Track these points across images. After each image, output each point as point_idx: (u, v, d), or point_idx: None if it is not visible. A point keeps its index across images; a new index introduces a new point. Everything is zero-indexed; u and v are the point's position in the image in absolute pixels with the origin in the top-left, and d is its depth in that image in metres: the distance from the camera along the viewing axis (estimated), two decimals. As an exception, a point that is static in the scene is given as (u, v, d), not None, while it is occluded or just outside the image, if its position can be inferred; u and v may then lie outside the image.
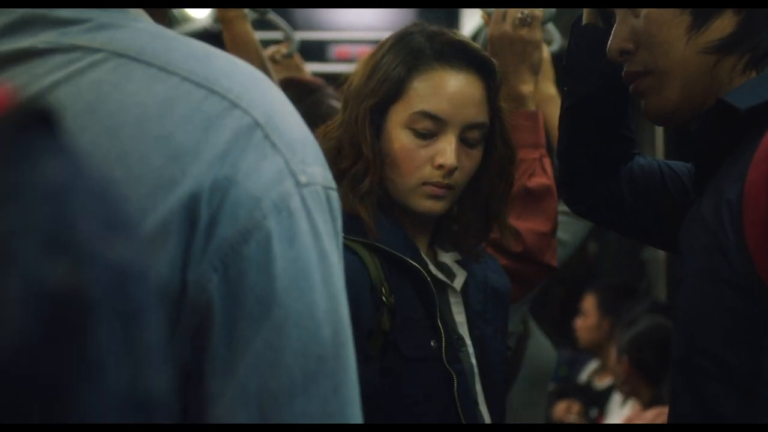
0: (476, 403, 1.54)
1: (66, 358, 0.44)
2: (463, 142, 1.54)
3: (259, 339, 0.69)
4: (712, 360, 1.13)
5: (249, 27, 2.29)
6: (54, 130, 0.48)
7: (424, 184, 1.53)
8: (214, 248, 0.69)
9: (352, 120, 1.56)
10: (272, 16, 2.71)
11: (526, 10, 1.84)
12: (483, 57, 1.58)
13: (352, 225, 1.47)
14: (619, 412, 3.70)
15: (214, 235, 0.69)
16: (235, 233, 0.69)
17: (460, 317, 1.58)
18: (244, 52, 2.23)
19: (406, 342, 1.48)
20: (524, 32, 1.82)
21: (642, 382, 3.34)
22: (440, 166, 1.52)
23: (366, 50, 1.66)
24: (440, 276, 1.57)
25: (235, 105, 0.72)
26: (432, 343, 1.49)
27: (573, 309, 4.36)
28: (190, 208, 0.68)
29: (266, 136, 0.72)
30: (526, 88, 1.84)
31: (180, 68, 0.73)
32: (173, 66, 0.73)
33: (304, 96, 2.24)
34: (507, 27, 1.82)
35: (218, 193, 0.69)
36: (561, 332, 4.39)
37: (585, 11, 1.51)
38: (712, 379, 1.13)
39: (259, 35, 2.30)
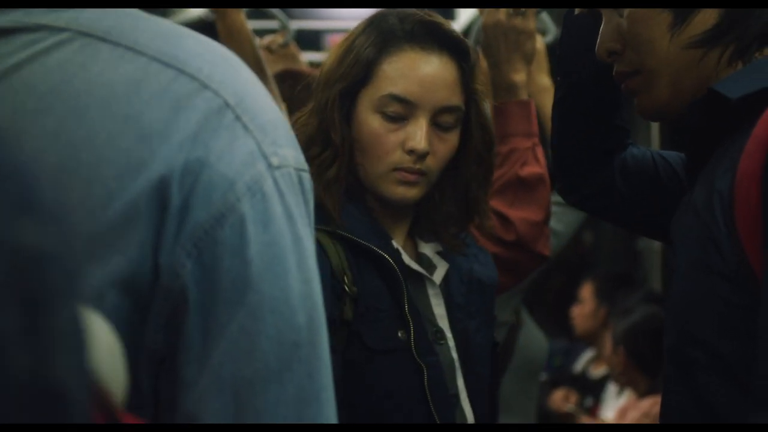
0: (457, 398, 1.50)
1: None
2: (437, 126, 1.50)
3: (234, 325, 0.68)
4: (704, 350, 1.13)
5: (243, 17, 2.28)
6: None
7: (395, 170, 1.48)
8: (188, 233, 0.67)
9: (321, 105, 1.51)
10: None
11: None
12: (456, 38, 1.53)
13: (316, 213, 1.44)
14: (614, 401, 3.70)
15: (187, 219, 0.67)
16: (209, 217, 0.68)
17: (439, 309, 1.54)
18: (238, 42, 2.22)
19: (370, 333, 1.43)
20: (518, 21, 1.82)
21: (638, 372, 3.34)
22: (411, 151, 1.47)
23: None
24: (414, 266, 1.53)
25: (205, 86, 0.71)
26: (399, 334, 1.44)
27: (568, 299, 4.36)
28: (161, 190, 0.67)
29: (237, 118, 0.70)
30: (519, 77, 1.83)
31: (148, 48, 0.71)
32: (141, 45, 0.71)
33: (302, 87, 2.24)
34: (501, 16, 1.82)
35: (190, 175, 0.68)
36: (556, 322, 4.39)
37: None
38: (704, 370, 1.13)
39: (255, 24, 2.29)
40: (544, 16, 2.47)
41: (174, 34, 0.74)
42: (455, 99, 1.51)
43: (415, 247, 1.59)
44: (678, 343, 1.18)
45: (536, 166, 1.84)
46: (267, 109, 0.74)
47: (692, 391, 1.15)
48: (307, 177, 0.74)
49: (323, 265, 1.36)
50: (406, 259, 1.52)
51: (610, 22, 1.29)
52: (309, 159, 1.47)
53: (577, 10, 1.50)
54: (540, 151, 1.87)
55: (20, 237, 0.45)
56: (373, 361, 1.43)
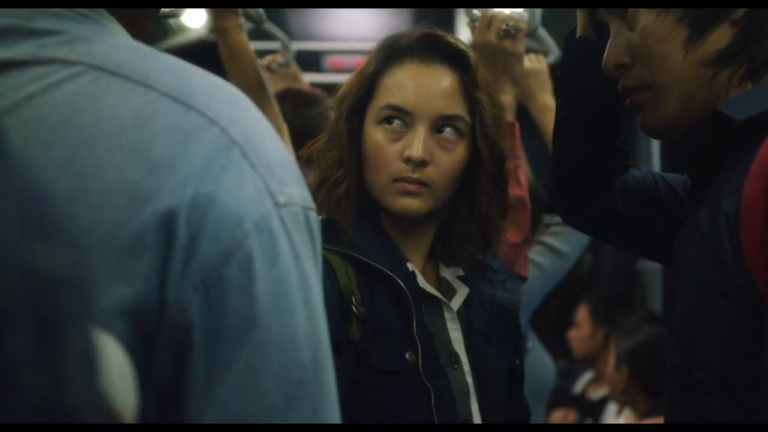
0: (470, 423, 1.49)
1: None
2: (439, 137, 1.50)
3: (240, 361, 0.68)
4: (709, 372, 1.13)
5: (244, 37, 2.28)
6: None
7: (396, 180, 1.48)
8: (195, 268, 0.68)
9: (332, 126, 1.56)
10: (269, 26, 2.71)
11: (511, 21, 1.85)
12: (457, 49, 1.53)
13: (328, 232, 1.45)
14: (613, 422, 3.69)
15: (195, 255, 0.68)
16: (216, 253, 0.68)
17: (455, 334, 1.53)
18: (239, 63, 2.23)
19: (377, 353, 1.42)
20: (507, 44, 1.83)
21: (640, 392, 3.33)
22: (408, 160, 1.47)
23: (361, 60, 1.66)
24: (428, 289, 1.52)
25: (213, 122, 0.71)
26: (407, 356, 1.43)
27: (568, 320, 4.36)
28: (168, 223, 0.67)
29: (244, 155, 0.71)
30: (505, 98, 1.84)
31: (158, 83, 0.72)
32: (151, 81, 0.72)
33: (303, 107, 2.25)
34: (491, 37, 1.83)
35: (198, 210, 0.68)
36: (556, 343, 4.38)
37: (579, 23, 1.50)
38: (709, 392, 1.13)
39: (256, 45, 2.30)
40: (546, 36, 2.47)
41: (184, 71, 0.75)
42: (456, 108, 1.50)
43: (437, 270, 1.59)
44: (682, 364, 1.18)
45: (518, 188, 1.85)
46: (274, 148, 0.74)
47: (696, 411, 1.15)
48: (313, 216, 0.75)
49: (331, 285, 1.39)
50: (421, 281, 1.52)
51: (620, 36, 1.28)
52: (323, 180, 1.51)
53: (578, 30, 1.50)
54: (522, 174, 1.88)
55: (36, 260, 0.45)
56: (379, 381, 1.42)
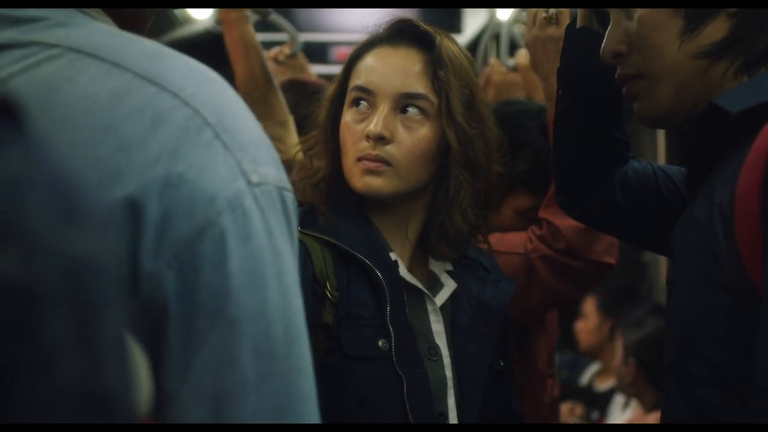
0: (444, 416, 1.49)
1: (15, 350, 0.43)
2: (404, 116, 1.51)
3: (213, 336, 0.69)
4: (706, 364, 1.13)
5: (250, 29, 2.29)
6: (14, 120, 0.48)
7: (359, 160, 1.50)
8: (168, 244, 0.69)
9: (320, 116, 1.59)
10: (275, 17, 2.71)
11: (552, 9, 1.85)
12: (422, 31, 1.55)
13: (309, 218, 1.49)
14: (620, 414, 3.69)
15: (167, 232, 0.69)
16: (189, 230, 0.69)
17: (437, 326, 1.53)
18: (245, 54, 2.23)
19: (349, 339, 1.42)
20: (552, 30, 1.82)
21: (647, 385, 3.34)
22: (368, 136, 1.49)
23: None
24: (409, 279, 1.52)
25: (186, 103, 0.72)
26: (380, 344, 1.44)
27: (574, 312, 4.36)
28: (135, 200, 0.68)
29: (216, 136, 0.72)
30: None
31: (134, 65, 0.73)
32: (127, 63, 0.73)
33: (307, 97, 2.25)
34: (536, 30, 1.83)
35: (170, 189, 0.69)
36: (563, 335, 4.38)
37: (579, 14, 1.50)
38: (706, 384, 1.13)
39: (263, 37, 2.30)
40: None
41: (161, 54, 0.76)
42: (418, 86, 1.51)
43: (426, 263, 1.59)
44: (678, 356, 1.18)
45: None
46: (248, 128, 0.75)
47: (692, 404, 1.15)
48: (290, 196, 0.76)
49: (304, 268, 1.40)
50: (403, 271, 1.52)
51: (619, 24, 1.28)
52: (308, 167, 1.53)
53: (579, 21, 1.50)
54: None
55: (71, 246, 0.46)
56: (351, 367, 1.42)
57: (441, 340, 1.52)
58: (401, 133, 1.49)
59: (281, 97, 2.21)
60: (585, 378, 4.28)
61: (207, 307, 0.69)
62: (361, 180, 1.49)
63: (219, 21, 2.68)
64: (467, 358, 1.53)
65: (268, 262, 0.72)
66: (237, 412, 0.70)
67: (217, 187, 0.71)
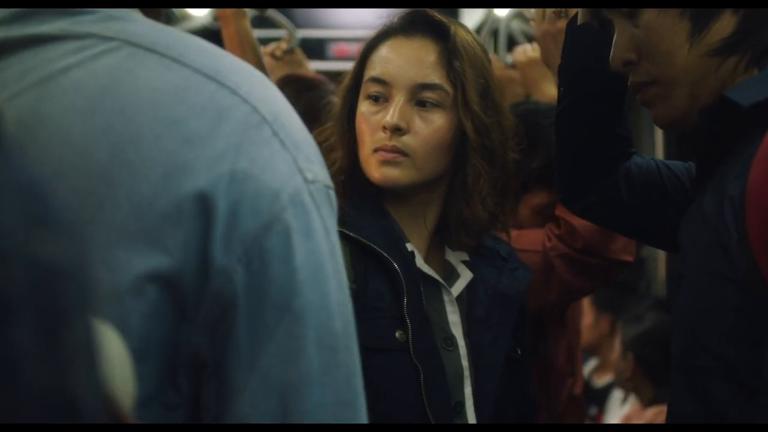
0: (462, 406, 1.49)
1: None
2: (420, 108, 1.51)
3: (281, 329, 0.71)
4: (714, 358, 1.13)
5: (247, 24, 2.29)
6: None
7: (375, 151, 1.50)
8: (238, 239, 0.70)
9: (334, 108, 1.60)
10: (272, 13, 2.71)
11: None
12: (436, 21, 1.55)
13: None
14: (618, 410, 3.70)
15: (235, 227, 0.70)
16: (256, 226, 0.71)
17: (453, 317, 1.53)
18: (241, 50, 2.23)
19: (365, 331, 1.39)
20: (562, 24, 1.82)
21: (645, 380, 3.34)
22: (384, 127, 1.49)
23: (364, 48, 1.67)
24: (425, 269, 1.53)
25: (244, 100, 0.74)
26: (397, 335, 1.44)
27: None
28: (205, 195, 0.70)
29: (274, 133, 0.74)
30: None
31: (192, 61, 0.74)
32: (185, 58, 0.74)
33: (304, 92, 2.24)
34: (546, 25, 1.83)
35: (236, 185, 0.70)
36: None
37: (580, 11, 1.50)
38: (714, 378, 1.13)
39: (261, 33, 2.30)
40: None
41: (214, 52, 0.77)
42: (433, 76, 1.51)
43: (443, 253, 1.59)
44: (687, 351, 1.18)
45: None
46: (298, 127, 0.77)
47: (701, 399, 1.15)
48: (333, 194, 0.78)
49: None
50: (419, 262, 1.52)
51: (624, 32, 1.27)
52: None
53: (579, 18, 1.50)
54: None
55: (37, 251, 0.45)
56: (367, 358, 1.41)
57: (457, 330, 1.53)
58: (417, 123, 1.50)
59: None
60: (583, 374, 4.28)
61: (275, 301, 0.71)
62: (378, 171, 1.50)
63: (216, 17, 2.68)
64: (483, 347, 1.54)
65: (327, 257, 0.74)
66: (302, 405, 0.71)
67: (280, 182, 0.72)
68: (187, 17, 3.78)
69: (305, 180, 0.74)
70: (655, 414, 3.12)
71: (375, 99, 1.52)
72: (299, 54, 2.85)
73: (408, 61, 1.52)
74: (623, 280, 4.59)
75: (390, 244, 1.49)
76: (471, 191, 1.54)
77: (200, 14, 3.35)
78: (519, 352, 1.61)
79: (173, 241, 0.69)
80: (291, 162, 0.73)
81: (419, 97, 1.51)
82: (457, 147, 1.53)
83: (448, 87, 1.51)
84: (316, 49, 3.72)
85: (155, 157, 0.70)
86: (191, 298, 0.70)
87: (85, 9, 0.76)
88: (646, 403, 3.33)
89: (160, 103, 0.71)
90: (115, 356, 0.59)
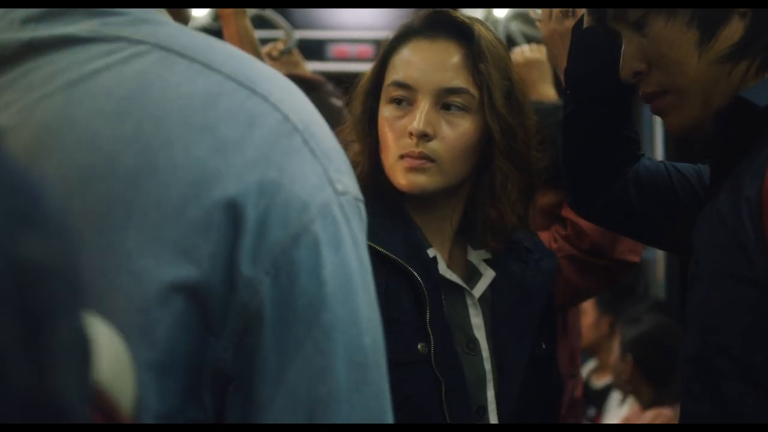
0: (484, 410, 1.47)
1: None
2: (445, 111, 1.48)
3: (309, 343, 0.69)
4: (732, 359, 1.12)
5: (248, 23, 2.28)
6: None
7: (402, 157, 1.47)
8: (265, 251, 0.68)
9: (352, 112, 1.57)
10: (270, 13, 2.71)
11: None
12: (460, 23, 1.52)
13: None
14: (617, 411, 3.69)
15: (264, 238, 0.68)
16: (285, 237, 0.69)
17: (476, 320, 1.50)
18: (241, 48, 2.22)
19: (390, 344, 1.35)
20: (569, 23, 1.81)
21: (644, 382, 3.33)
22: (411, 134, 1.46)
23: (364, 49, 1.66)
24: (448, 276, 1.50)
25: (275, 108, 0.72)
26: (419, 347, 1.41)
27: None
28: (236, 205, 0.68)
29: (305, 142, 0.72)
30: None
31: (223, 67, 0.73)
32: (216, 64, 0.73)
33: (305, 93, 2.24)
34: (553, 24, 1.82)
35: (266, 194, 0.69)
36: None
37: (585, 15, 1.49)
38: (730, 378, 1.12)
39: (260, 34, 2.30)
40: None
41: (244, 58, 0.76)
42: (459, 80, 1.48)
43: (465, 253, 1.56)
44: (702, 352, 1.17)
45: None
46: (329, 137, 0.75)
47: (717, 400, 1.14)
48: (363, 207, 0.76)
49: None
50: (442, 268, 1.50)
51: (632, 43, 1.27)
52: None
53: (585, 22, 1.49)
54: None
55: (22, 249, 0.45)
56: (389, 371, 1.38)
57: (480, 332, 1.50)
58: (444, 128, 1.47)
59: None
60: (582, 374, 4.28)
61: (303, 315, 0.69)
62: (405, 177, 1.47)
63: (216, 18, 2.68)
64: (508, 348, 1.51)
65: (356, 271, 0.72)
66: (330, 422, 0.69)
67: (309, 194, 0.70)
68: (186, 18, 3.78)
69: (335, 191, 0.72)
70: (654, 416, 3.12)
71: (398, 102, 1.49)
72: (296, 55, 2.85)
73: (432, 64, 1.49)
74: (623, 281, 4.59)
75: (412, 254, 1.47)
76: (498, 194, 1.51)
77: (200, 14, 3.35)
78: (543, 346, 1.58)
79: (201, 251, 0.67)
80: (321, 172, 0.72)
81: (445, 101, 1.48)
82: (482, 149, 1.51)
83: (473, 90, 1.49)
84: (315, 49, 3.72)
85: (185, 164, 0.68)
86: (218, 310, 0.68)
87: (115, 10, 0.74)
88: (645, 405, 3.32)
89: (190, 109, 0.70)
90: (111, 353, 0.58)
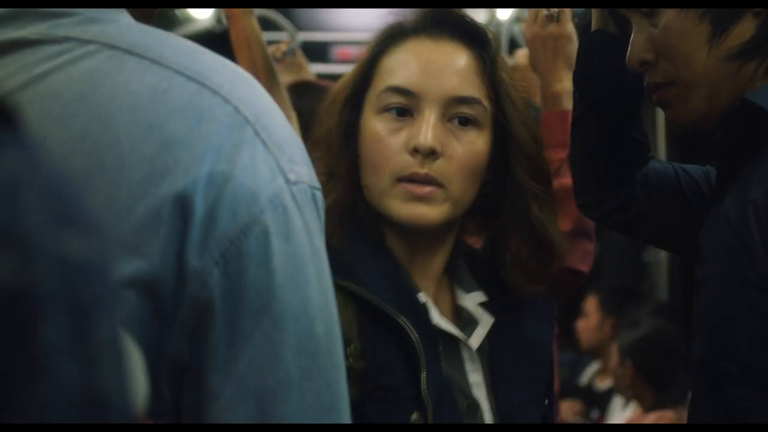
0: None
1: (12, 354, 0.43)
2: (452, 124, 1.24)
3: (258, 333, 0.70)
4: (738, 363, 1.12)
5: (254, 22, 2.29)
6: (10, 122, 0.47)
7: (400, 180, 1.21)
8: (214, 243, 0.69)
9: (321, 124, 1.31)
10: (274, 15, 2.71)
11: (552, 7, 1.84)
12: (472, 25, 1.29)
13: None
14: (620, 413, 3.69)
15: (212, 230, 0.69)
16: (234, 228, 0.69)
17: (475, 376, 1.26)
18: (249, 48, 2.23)
19: (375, 417, 1.16)
20: (552, 28, 1.80)
21: (645, 386, 3.33)
22: (415, 150, 1.20)
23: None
24: (444, 326, 1.24)
25: (226, 101, 0.72)
26: (413, 417, 1.17)
27: (574, 311, 4.36)
28: (184, 198, 0.69)
29: (257, 134, 0.72)
30: (561, 86, 1.77)
31: (172, 62, 0.73)
32: (165, 60, 0.73)
33: (310, 96, 2.25)
34: (537, 28, 1.82)
35: (214, 187, 0.69)
36: (562, 334, 4.39)
37: (594, 15, 1.49)
38: (737, 382, 1.12)
39: (264, 36, 2.30)
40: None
41: (195, 52, 0.76)
42: (471, 89, 1.24)
43: (452, 296, 1.31)
44: (708, 356, 1.17)
45: (568, 177, 1.81)
46: (282, 127, 0.76)
47: (724, 404, 1.14)
48: (319, 195, 0.76)
49: None
50: (435, 317, 1.24)
51: (642, 32, 1.26)
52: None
53: (593, 23, 1.48)
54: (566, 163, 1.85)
55: (68, 249, 0.45)
56: None
57: (480, 391, 1.26)
58: (452, 145, 1.22)
59: (284, 93, 2.20)
60: (585, 377, 4.28)
61: (252, 305, 0.70)
62: (405, 209, 1.21)
63: (219, 20, 2.69)
64: (515, 412, 1.27)
65: (308, 260, 0.72)
66: (280, 411, 0.70)
67: (259, 185, 0.71)
68: (189, 20, 3.79)
69: (287, 181, 0.72)
70: (657, 418, 3.12)
71: (394, 112, 1.23)
72: (300, 57, 2.85)
73: (438, 68, 1.24)
74: (626, 284, 4.59)
75: (402, 302, 1.21)
76: (539, 223, 1.27)
77: (203, 17, 3.35)
78: (547, 402, 1.34)
79: (152, 246, 0.68)
80: (273, 163, 0.72)
81: (453, 113, 1.24)
82: (487, 171, 1.28)
83: (486, 102, 1.25)
84: (318, 52, 3.73)
85: (133, 162, 0.69)
86: (170, 303, 0.69)
87: (65, 10, 0.75)
88: (647, 408, 3.32)
89: (138, 107, 0.70)
90: (132, 358, 0.59)
